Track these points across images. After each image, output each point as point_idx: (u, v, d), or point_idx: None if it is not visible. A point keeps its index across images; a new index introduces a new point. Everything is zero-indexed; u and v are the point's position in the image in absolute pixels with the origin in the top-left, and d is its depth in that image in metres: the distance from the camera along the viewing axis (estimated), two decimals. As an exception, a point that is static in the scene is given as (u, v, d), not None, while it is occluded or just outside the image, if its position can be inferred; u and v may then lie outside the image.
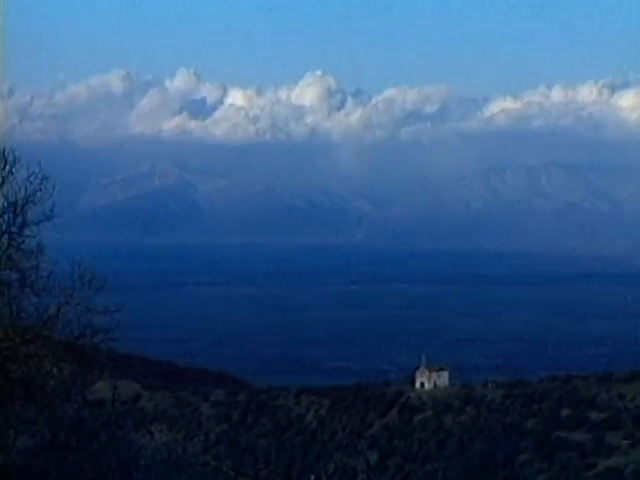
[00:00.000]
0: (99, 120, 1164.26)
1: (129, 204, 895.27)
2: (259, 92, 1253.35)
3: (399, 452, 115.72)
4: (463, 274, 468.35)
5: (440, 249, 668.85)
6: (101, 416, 25.16)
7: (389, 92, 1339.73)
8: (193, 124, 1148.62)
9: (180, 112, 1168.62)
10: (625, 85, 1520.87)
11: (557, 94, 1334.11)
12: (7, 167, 23.63)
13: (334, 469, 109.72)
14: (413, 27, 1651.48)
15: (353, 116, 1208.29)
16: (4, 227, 23.68)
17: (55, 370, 23.60)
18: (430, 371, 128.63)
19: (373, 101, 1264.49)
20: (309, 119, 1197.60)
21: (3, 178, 23.62)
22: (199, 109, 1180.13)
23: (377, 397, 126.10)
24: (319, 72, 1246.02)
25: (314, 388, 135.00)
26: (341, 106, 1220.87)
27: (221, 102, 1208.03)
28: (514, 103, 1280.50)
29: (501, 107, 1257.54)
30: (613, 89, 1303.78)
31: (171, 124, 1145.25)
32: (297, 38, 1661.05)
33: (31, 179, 23.65)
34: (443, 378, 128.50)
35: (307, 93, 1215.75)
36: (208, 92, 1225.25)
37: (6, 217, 23.67)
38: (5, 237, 23.66)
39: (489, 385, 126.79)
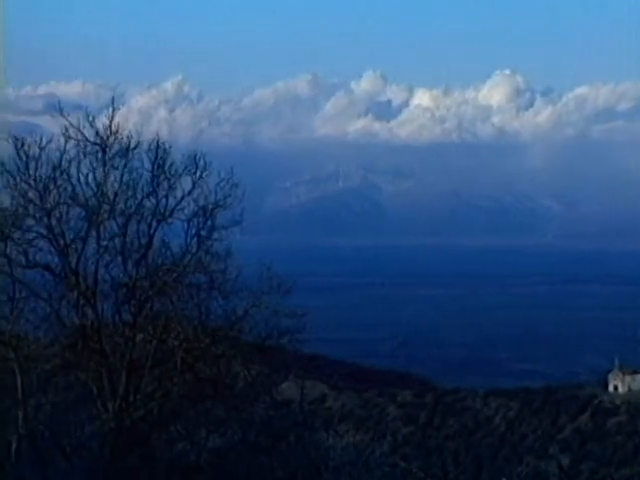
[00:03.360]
0: (284, 123, 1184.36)
1: (313, 206, 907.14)
2: (446, 92, 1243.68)
3: (593, 456, 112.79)
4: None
5: (634, 248, 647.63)
6: (289, 416, 25.39)
7: (580, 90, 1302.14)
8: (378, 126, 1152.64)
9: (365, 114, 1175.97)
10: None
11: None
12: (198, 172, 24.11)
13: (526, 472, 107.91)
14: (605, 23, 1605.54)
15: (542, 115, 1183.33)
16: (194, 231, 24.18)
17: (244, 370, 23.95)
18: (624, 374, 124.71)
19: (563, 99, 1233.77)
20: (496, 119, 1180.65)
21: (194, 183, 24.11)
22: (385, 111, 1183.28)
23: (568, 400, 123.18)
24: (507, 71, 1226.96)
25: (502, 390, 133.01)
26: (530, 105, 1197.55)
27: (407, 104, 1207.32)
28: None
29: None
30: None
31: (356, 126, 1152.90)
32: (486, 37, 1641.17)
33: (221, 184, 24.04)
34: (638, 381, 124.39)
35: (495, 93, 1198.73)
36: (394, 94, 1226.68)
37: (196, 221, 24.16)
38: (195, 241, 24.16)
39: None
